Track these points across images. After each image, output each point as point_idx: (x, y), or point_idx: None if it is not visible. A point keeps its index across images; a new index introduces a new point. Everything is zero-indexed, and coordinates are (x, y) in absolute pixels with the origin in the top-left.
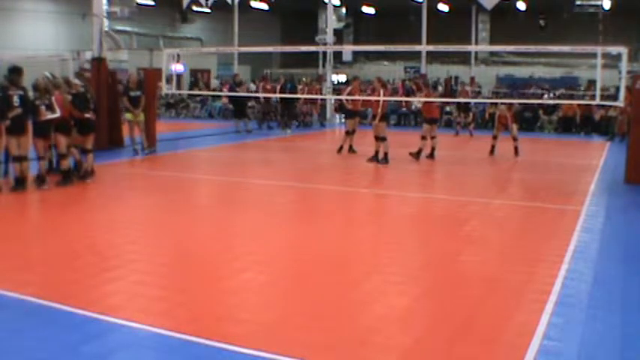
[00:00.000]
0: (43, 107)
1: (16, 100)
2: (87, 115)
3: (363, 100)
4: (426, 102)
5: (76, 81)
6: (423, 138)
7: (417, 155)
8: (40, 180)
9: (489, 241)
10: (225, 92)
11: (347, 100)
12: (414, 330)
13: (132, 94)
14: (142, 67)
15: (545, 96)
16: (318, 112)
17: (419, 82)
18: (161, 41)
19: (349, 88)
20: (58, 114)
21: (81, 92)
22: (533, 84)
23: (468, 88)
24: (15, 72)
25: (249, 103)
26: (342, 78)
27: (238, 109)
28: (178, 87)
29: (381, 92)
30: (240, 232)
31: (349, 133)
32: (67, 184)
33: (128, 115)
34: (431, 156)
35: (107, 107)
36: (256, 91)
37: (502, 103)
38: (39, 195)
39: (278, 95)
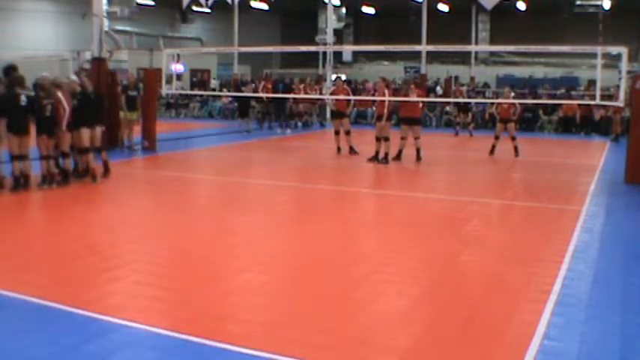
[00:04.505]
0: (49, 107)
1: (23, 99)
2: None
3: (359, 101)
4: (403, 101)
5: (85, 80)
6: (402, 138)
7: (398, 157)
8: (46, 180)
9: (489, 241)
10: (226, 92)
11: (332, 100)
12: (414, 330)
13: (130, 93)
14: (142, 67)
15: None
16: (317, 112)
17: (411, 82)
18: (161, 41)
19: (332, 89)
20: (67, 111)
21: (83, 92)
22: (532, 84)
23: (462, 88)
24: (14, 70)
25: (251, 103)
26: (343, 78)
27: (242, 108)
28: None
29: (386, 92)
30: (240, 232)
31: (337, 134)
32: (67, 184)
33: (122, 114)
34: (417, 158)
35: (107, 107)
36: (255, 91)
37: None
38: (39, 195)
39: (271, 95)
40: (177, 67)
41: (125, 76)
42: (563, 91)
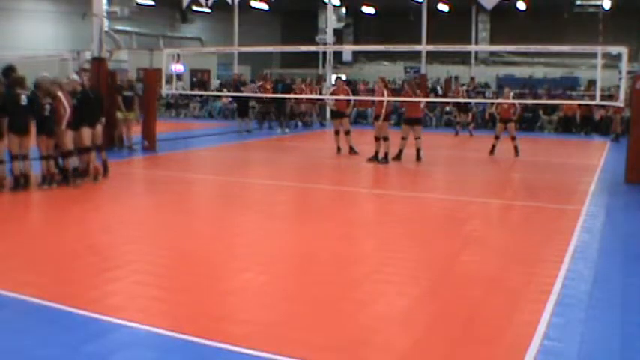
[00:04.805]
0: (47, 106)
1: (23, 99)
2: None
3: (359, 101)
4: (405, 101)
5: (85, 78)
6: (403, 138)
7: (398, 157)
8: (46, 180)
9: (489, 241)
10: (226, 92)
11: (332, 100)
12: (414, 330)
13: (125, 93)
14: (142, 67)
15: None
16: (317, 112)
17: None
18: (161, 41)
19: (333, 89)
20: (68, 111)
21: (83, 91)
22: (532, 84)
23: (461, 88)
24: (13, 71)
25: (250, 103)
26: (343, 78)
27: (242, 108)
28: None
29: (385, 93)
30: (240, 232)
31: (337, 133)
32: (68, 184)
33: (119, 114)
34: (417, 158)
35: (106, 107)
36: (254, 91)
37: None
38: (39, 195)
39: (269, 95)
40: (177, 67)
41: (122, 76)
42: (561, 90)
